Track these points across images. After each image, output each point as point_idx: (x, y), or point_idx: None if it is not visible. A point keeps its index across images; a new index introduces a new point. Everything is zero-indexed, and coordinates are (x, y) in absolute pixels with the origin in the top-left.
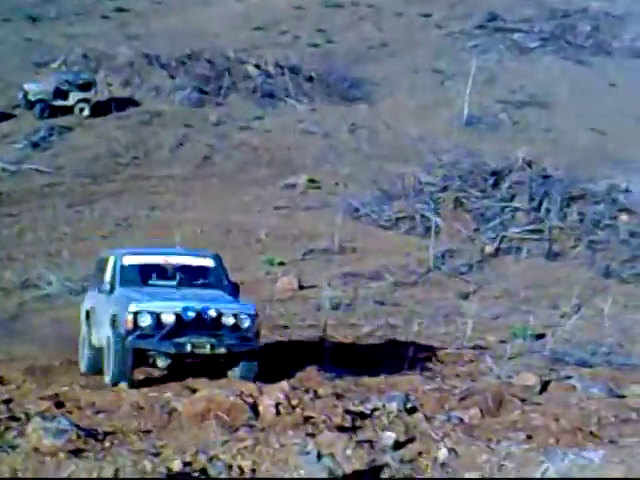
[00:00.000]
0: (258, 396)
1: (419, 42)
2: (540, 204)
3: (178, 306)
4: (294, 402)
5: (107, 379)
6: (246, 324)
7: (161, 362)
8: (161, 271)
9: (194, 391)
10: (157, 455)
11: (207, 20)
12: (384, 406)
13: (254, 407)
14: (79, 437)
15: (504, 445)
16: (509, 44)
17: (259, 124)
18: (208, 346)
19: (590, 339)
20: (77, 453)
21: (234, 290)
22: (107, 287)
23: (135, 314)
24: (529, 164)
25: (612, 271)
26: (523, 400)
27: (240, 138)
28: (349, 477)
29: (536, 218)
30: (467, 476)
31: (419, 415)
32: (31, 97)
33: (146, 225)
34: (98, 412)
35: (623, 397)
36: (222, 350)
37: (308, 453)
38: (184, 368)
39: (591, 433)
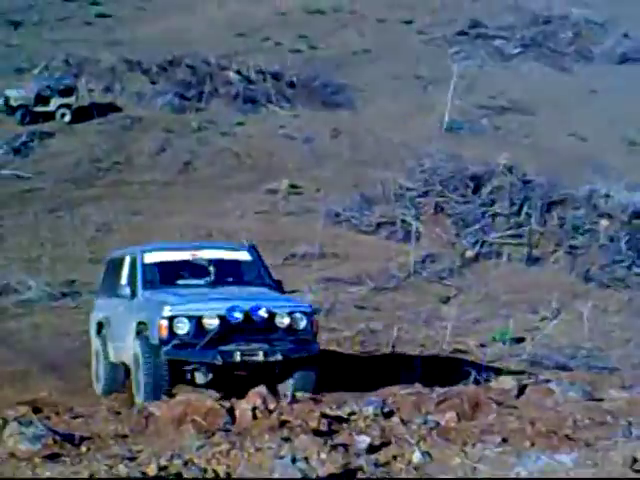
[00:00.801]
0: (235, 400)
1: (401, 48)
2: (520, 209)
3: (222, 307)
4: (271, 406)
5: (138, 399)
6: (303, 324)
7: (201, 378)
8: (190, 268)
9: (171, 395)
10: (133, 459)
11: (189, 26)
12: (361, 410)
13: (231, 411)
14: (55, 442)
15: (478, 448)
16: (490, 50)
17: (241, 130)
18: (261, 353)
19: (569, 343)
20: (53, 458)
21: (278, 287)
22: (127, 291)
23: (171, 319)
24: (510, 169)
25: (592, 275)
26: (500, 403)
27: (221, 144)
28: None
29: (516, 223)
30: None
31: (395, 419)
32: (12, 103)
33: (127, 230)
34: (76, 417)
35: (600, 400)
36: (278, 357)
37: (282, 457)
38: (227, 383)
39: (566, 436)
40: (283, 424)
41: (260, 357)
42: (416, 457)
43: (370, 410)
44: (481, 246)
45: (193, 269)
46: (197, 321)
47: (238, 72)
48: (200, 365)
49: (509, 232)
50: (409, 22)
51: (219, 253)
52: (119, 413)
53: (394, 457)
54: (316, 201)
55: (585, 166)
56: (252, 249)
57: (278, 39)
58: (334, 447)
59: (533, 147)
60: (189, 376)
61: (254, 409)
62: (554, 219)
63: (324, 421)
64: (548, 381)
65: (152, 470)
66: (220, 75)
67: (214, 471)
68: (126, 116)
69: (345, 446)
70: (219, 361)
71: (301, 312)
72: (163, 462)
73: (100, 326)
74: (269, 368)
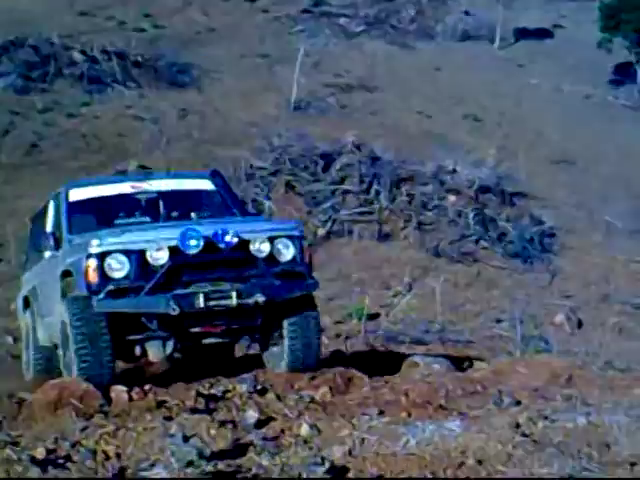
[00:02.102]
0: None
1: (246, 27)
2: (370, 186)
3: (172, 235)
4: (146, 387)
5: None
6: (290, 253)
7: (156, 351)
8: (133, 205)
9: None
10: (16, 444)
11: (30, 6)
12: (234, 388)
13: (105, 394)
14: None
15: (364, 419)
16: (335, 29)
17: (87, 110)
18: (234, 294)
19: (423, 317)
20: None
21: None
22: (49, 241)
23: (101, 257)
24: (358, 147)
25: (441, 251)
26: (370, 377)
27: (68, 125)
28: (216, 455)
29: (366, 200)
30: (334, 449)
31: (270, 395)
32: None
33: None
34: None
35: (464, 371)
36: (258, 298)
37: (173, 435)
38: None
39: (440, 406)
40: (160, 404)
41: (233, 300)
42: (304, 430)
43: (244, 388)
44: (332, 224)
45: (137, 205)
46: (139, 257)
47: (82, 52)
48: (154, 332)
49: (359, 209)
50: (253, 0)
51: (171, 183)
52: None
53: (282, 431)
54: None
55: (431, 143)
56: (215, 175)
57: (122, 18)
58: (222, 424)
59: (380, 125)
60: (139, 350)
61: (129, 391)
62: (403, 195)
63: (201, 400)
64: (410, 355)
65: (40, 454)
66: (64, 55)
67: (104, 452)
68: None
69: (233, 422)
70: (175, 310)
71: (286, 237)
72: (49, 445)
73: (27, 303)
74: (247, 318)
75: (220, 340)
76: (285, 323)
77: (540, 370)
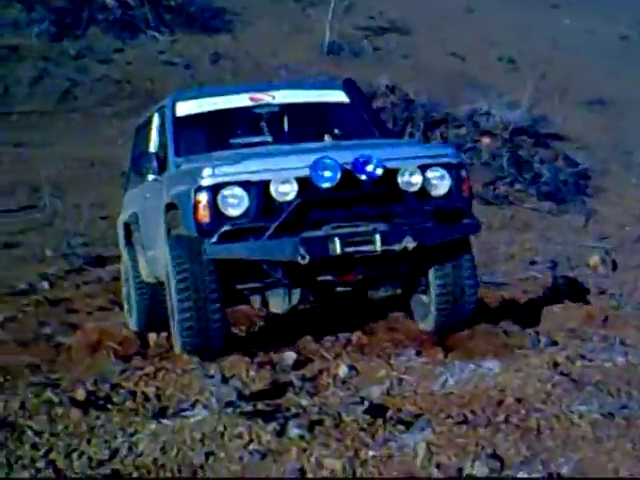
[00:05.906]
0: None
1: None
2: (403, 129)
3: (302, 164)
4: None
5: (176, 346)
6: (445, 185)
7: (279, 301)
8: (251, 121)
9: (74, 326)
10: (56, 387)
11: None
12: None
13: (144, 339)
14: None
15: (402, 360)
16: None
17: (120, 57)
18: (377, 238)
19: None
20: None
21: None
22: (152, 163)
23: (214, 190)
24: (392, 90)
25: (475, 193)
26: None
27: (101, 71)
28: (255, 396)
29: None
30: (373, 389)
31: (308, 337)
32: None
33: (9, 162)
34: None
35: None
36: (408, 243)
37: (212, 376)
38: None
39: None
40: None
41: (376, 245)
42: (342, 371)
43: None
44: None
45: (256, 122)
46: (260, 190)
47: None
48: (274, 280)
49: None
50: None
51: (297, 95)
52: (25, 344)
53: (320, 372)
54: None
55: (465, 85)
56: (350, 85)
57: None
58: (261, 365)
59: (413, 67)
60: (259, 301)
61: (168, 336)
62: (437, 138)
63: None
64: None
65: (81, 395)
66: (97, 1)
67: (143, 393)
68: (2, 46)
69: (271, 363)
70: (305, 258)
71: (442, 165)
72: (90, 387)
73: (128, 230)
74: (392, 266)
75: (354, 288)
76: (432, 271)
77: (575, 311)
